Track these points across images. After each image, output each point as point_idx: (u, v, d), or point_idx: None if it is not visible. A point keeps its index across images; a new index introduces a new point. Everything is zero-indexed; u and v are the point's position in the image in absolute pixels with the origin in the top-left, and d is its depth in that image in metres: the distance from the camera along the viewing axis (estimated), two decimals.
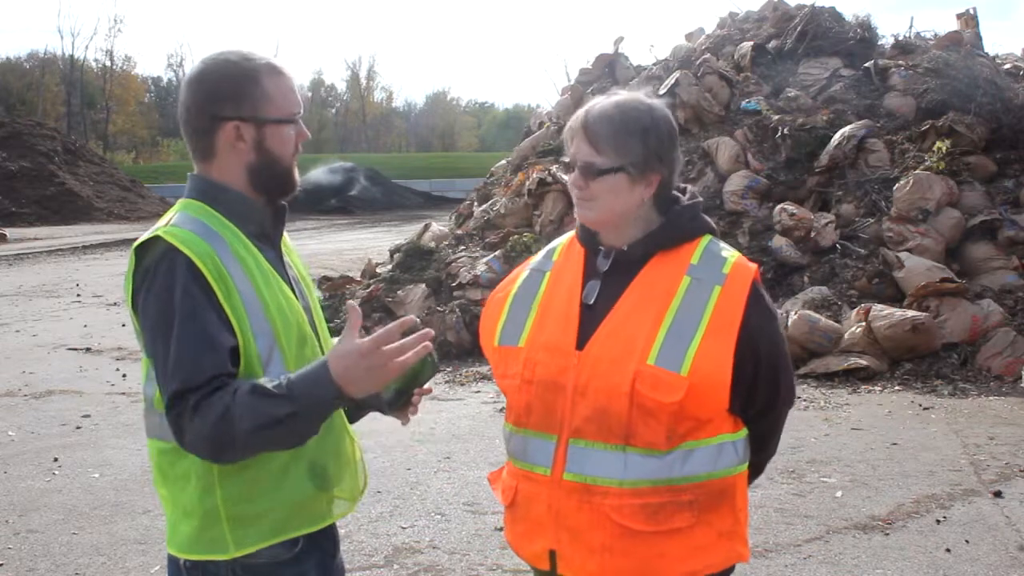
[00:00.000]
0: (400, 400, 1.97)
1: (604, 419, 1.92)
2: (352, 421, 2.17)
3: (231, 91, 1.90)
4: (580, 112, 2.04)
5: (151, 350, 1.86)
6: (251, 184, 1.95)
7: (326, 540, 2.04)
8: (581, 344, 1.98)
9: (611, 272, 2.02)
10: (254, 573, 1.91)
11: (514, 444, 2.09)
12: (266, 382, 1.76)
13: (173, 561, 1.97)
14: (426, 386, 1.99)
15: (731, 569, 2.05)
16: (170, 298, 1.81)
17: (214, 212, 1.92)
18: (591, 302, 2.01)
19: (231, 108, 1.89)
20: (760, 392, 2.00)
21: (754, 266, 2.02)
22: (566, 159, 2.07)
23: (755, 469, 2.12)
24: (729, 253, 2.02)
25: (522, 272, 2.19)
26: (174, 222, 1.89)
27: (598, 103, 2.01)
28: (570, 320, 2.01)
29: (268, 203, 2.00)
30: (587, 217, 2.03)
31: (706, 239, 2.03)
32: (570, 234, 2.19)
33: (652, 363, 1.90)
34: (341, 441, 2.04)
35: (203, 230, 1.87)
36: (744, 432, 2.03)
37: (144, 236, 1.88)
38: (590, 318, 2.00)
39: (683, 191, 2.09)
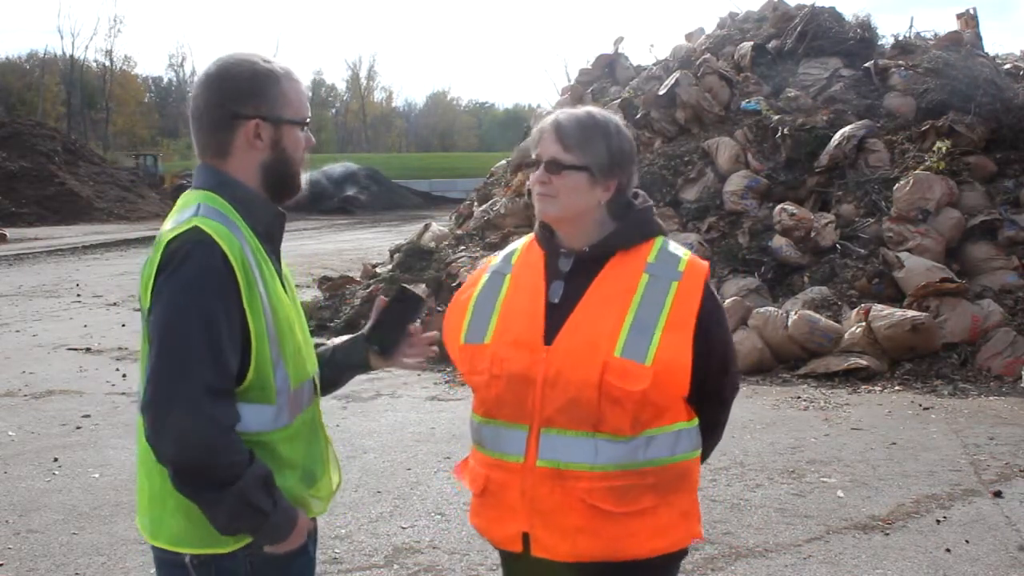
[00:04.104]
0: (388, 345, 2.20)
1: (575, 408, 2.05)
2: (338, 387, 2.27)
3: (252, 90, 1.93)
4: (550, 115, 2.19)
5: (164, 334, 1.81)
6: (263, 183, 1.98)
7: (314, 530, 2.12)
8: (549, 340, 2.09)
9: (573, 272, 2.16)
10: (270, 564, 1.92)
11: (485, 435, 2.19)
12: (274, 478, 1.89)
13: (169, 557, 1.93)
14: (418, 326, 2.22)
15: (687, 550, 2.20)
16: (200, 288, 1.80)
17: (230, 207, 1.93)
18: (556, 301, 2.13)
19: (252, 107, 1.93)
20: (711, 381, 2.15)
21: (706, 264, 2.19)
22: (531, 159, 2.19)
23: (703, 455, 2.25)
24: (682, 252, 2.18)
25: (483, 275, 2.29)
26: (203, 213, 1.88)
27: (567, 110, 2.19)
28: (536, 318, 2.13)
29: (274, 206, 2.02)
30: (547, 212, 2.16)
31: (659, 240, 2.19)
32: (527, 238, 2.32)
33: (619, 355, 2.03)
34: (323, 446, 2.11)
35: (231, 225, 1.89)
36: (696, 421, 2.17)
37: (176, 227, 1.85)
38: (555, 315, 2.12)
39: (635, 196, 2.22)
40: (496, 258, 2.32)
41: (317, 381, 2.11)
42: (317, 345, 2.23)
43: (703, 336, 2.08)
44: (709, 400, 2.18)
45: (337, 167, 38.94)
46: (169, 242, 1.83)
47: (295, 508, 1.94)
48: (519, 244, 2.32)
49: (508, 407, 2.12)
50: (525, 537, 2.11)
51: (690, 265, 2.13)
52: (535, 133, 2.19)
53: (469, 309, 2.23)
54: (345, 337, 2.32)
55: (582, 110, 2.19)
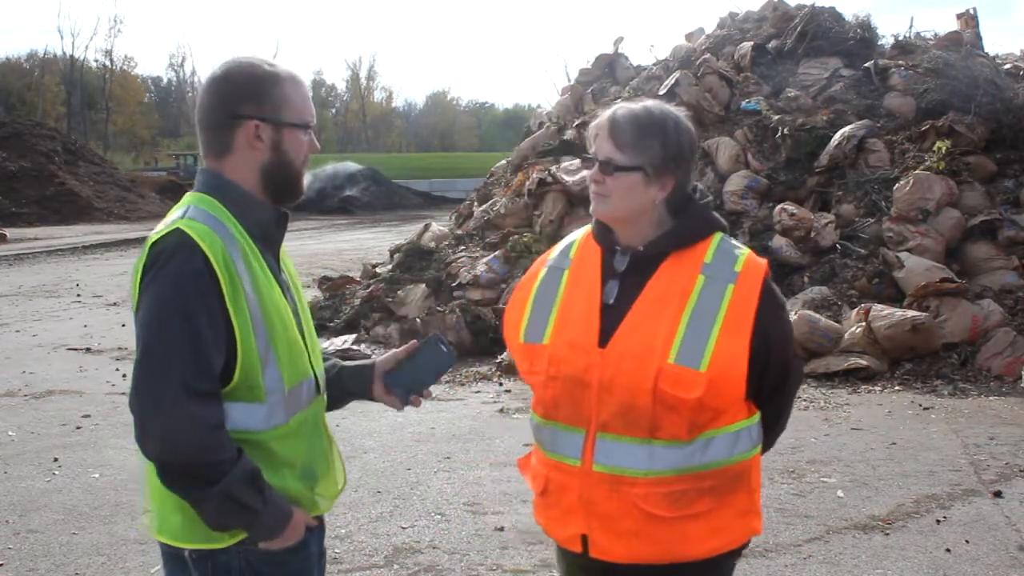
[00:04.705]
0: (412, 387, 2.18)
1: (630, 414, 2.02)
2: (336, 407, 2.24)
3: (253, 91, 1.94)
4: (607, 111, 2.13)
5: (147, 334, 1.86)
6: (262, 184, 1.99)
7: (321, 527, 2.13)
8: (604, 342, 2.05)
9: (628, 271, 2.11)
10: (265, 560, 1.94)
11: (544, 436, 2.18)
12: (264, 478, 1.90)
13: (172, 551, 1.97)
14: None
15: (747, 543, 2.18)
16: (180, 289, 1.82)
17: (224, 209, 1.94)
18: (611, 301, 2.09)
19: (252, 107, 1.94)
20: (771, 379, 2.10)
21: (764, 262, 2.12)
22: (588, 155, 2.14)
23: (766, 446, 2.23)
24: (740, 251, 2.11)
25: (541, 270, 2.25)
26: (190, 215, 1.91)
27: (626, 105, 2.11)
28: (591, 319, 2.09)
29: (273, 207, 2.02)
30: (601, 211, 2.12)
31: (717, 237, 2.12)
32: (584, 230, 2.26)
33: (673, 361, 1.99)
34: (325, 444, 2.12)
35: (217, 226, 1.90)
36: (757, 417, 2.13)
37: (162, 229, 1.89)
38: (610, 317, 2.08)
39: (694, 190, 2.16)
40: (553, 252, 2.28)
41: (321, 381, 2.11)
42: (325, 359, 2.21)
43: (760, 336, 2.03)
44: (771, 396, 2.14)
45: (339, 167, 39.06)
46: (153, 244, 1.87)
47: (290, 505, 1.94)
48: (577, 237, 2.27)
49: (565, 409, 2.10)
50: (584, 538, 2.10)
51: (747, 265, 2.07)
52: (591, 129, 2.13)
53: (528, 306, 2.20)
54: (353, 362, 2.28)
55: (640, 105, 2.11)
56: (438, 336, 2.21)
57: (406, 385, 2.18)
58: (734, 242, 2.14)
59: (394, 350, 2.24)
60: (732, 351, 1.99)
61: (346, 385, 2.22)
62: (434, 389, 8.30)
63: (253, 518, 1.87)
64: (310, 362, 2.05)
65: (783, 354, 2.11)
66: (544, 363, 2.12)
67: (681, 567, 2.07)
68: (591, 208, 2.14)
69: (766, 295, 2.05)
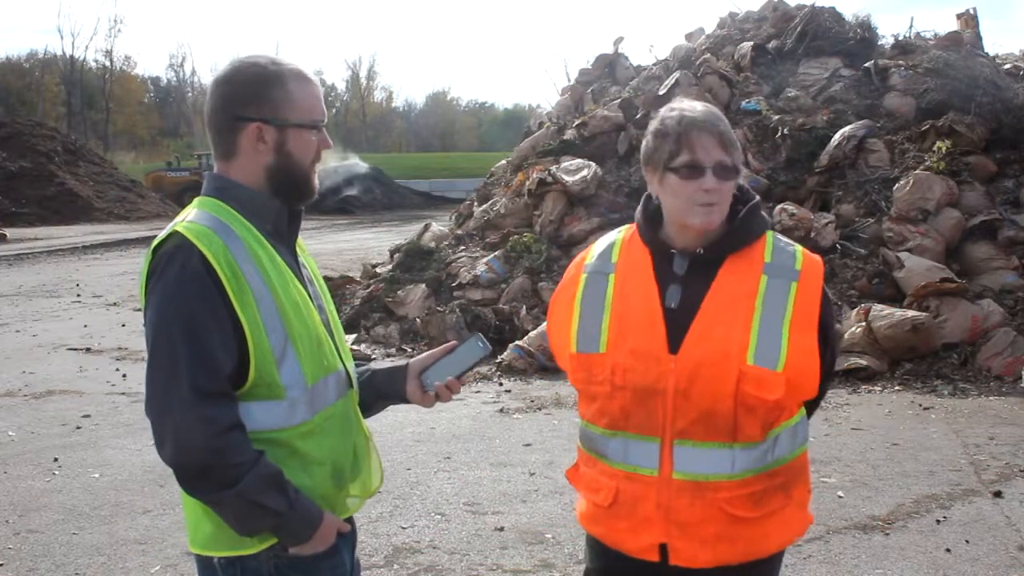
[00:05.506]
0: (435, 380, 2.15)
1: (711, 420, 2.00)
2: (370, 413, 2.21)
3: (255, 93, 1.91)
4: (682, 114, 2.02)
5: (153, 340, 1.85)
6: (269, 186, 1.96)
7: (352, 533, 2.10)
8: (674, 348, 2.01)
9: (688, 274, 2.06)
10: (295, 567, 1.92)
11: (611, 447, 2.11)
12: (287, 478, 1.87)
13: (203, 560, 1.96)
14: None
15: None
16: (180, 293, 1.81)
17: (230, 210, 1.92)
18: (674, 306, 2.04)
19: (254, 109, 1.91)
20: (826, 369, 2.12)
21: (820, 259, 2.13)
22: (677, 165, 2.01)
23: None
24: (794, 248, 2.11)
25: (580, 275, 2.19)
26: (191, 218, 1.90)
27: (695, 106, 2.04)
28: (656, 325, 2.04)
29: (284, 204, 2.00)
30: (713, 222, 2.03)
31: (770, 235, 2.12)
32: (622, 233, 2.20)
33: (752, 363, 1.97)
34: (361, 440, 2.09)
35: (219, 226, 1.88)
36: (804, 409, 2.15)
37: (163, 233, 1.89)
38: (675, 322, 2.03)
39: (740, 189, 2.13)
40: (589, 256, 2.21)
41: (352, 374, 2.08)
42: (358, 364, 2.19)
43: (823, 332, 2.05)
44: (822, 383, 2.15)
45: (351, 164, 39.23)
46: (155, 249, 1.87)
47: (320, 509, 1.92)
48: (615, 239, 2.20)
49: (636, 419, 2.05)
50: (663, 547, 2.07)
51: (806, 263, 2.07)
52: (680, 135, 2.00)
53: (575, 314, 2.14)
54: (386, 364, 2.25)
55: (705, 106, 2.06)
56: (478, 335, 2.17)
57: (439, 382, 2.15)
58: (784, 239, 2.13)
59: (431, 350, 2.21)
60: (804, 349, 2.00)
61: (380, 388, 2.18)
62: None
63: (278, 521, 1.85)
64: (339, 355, 2.03)
65: (834, 349, 2.17)
66: (607, 373, 2.06)
67: (754, 563, 2.08)
68: (694, 218, 2.01)
69: (824, 293, 2.09)
